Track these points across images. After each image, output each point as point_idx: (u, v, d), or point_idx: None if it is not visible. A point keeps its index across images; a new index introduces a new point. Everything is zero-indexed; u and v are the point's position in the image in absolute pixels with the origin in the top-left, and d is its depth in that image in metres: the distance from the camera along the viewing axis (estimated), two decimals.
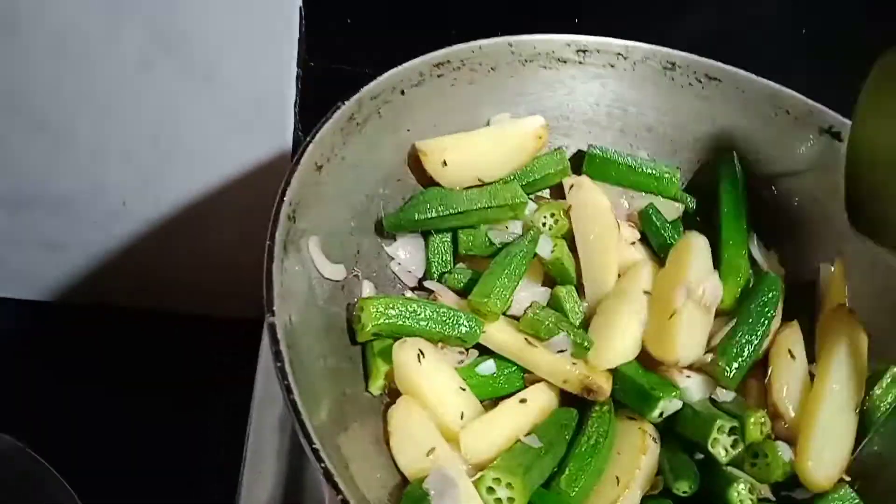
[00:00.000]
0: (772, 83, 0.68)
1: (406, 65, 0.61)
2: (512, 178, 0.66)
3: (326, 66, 0.70)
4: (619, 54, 0.69)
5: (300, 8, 0.66)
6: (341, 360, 0.53)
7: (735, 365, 0.57)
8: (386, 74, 0.60)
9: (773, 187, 0.70)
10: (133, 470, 0.79)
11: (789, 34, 0.73)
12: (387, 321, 0.53)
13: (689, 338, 0.57)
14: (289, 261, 0.50)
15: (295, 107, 0.72)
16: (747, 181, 0.68)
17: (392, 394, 0.55)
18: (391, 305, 0.54)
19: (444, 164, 0.62)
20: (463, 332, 0.56)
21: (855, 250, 0.65)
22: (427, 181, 0.63)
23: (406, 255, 0.62)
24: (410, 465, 0.51)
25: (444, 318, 0.55)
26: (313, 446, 0.41)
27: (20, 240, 0.84)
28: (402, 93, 0.62)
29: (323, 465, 0.41)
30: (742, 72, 0.69)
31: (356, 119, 0.58)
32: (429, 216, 0.60)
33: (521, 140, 0.66)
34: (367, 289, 0.59)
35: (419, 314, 0.55)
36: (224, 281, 0.82)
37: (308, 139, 0.54)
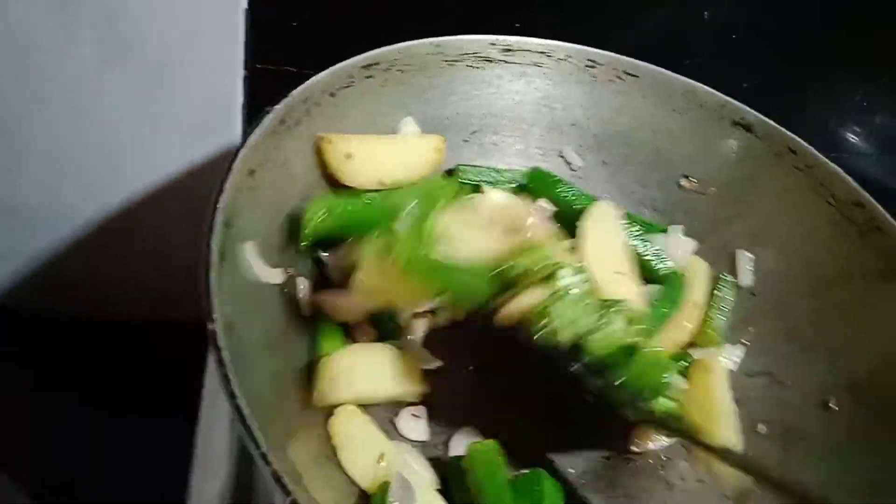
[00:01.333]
0: (687, 79, 0.71)
1: (335, 67, 0.62)
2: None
3: (273, 69, 0.71)
4: (542, 52, 0.71)
5: (245, 10, 0.66)
6: (286, 366, 0.54)
7: None
8: (315, 77, 0.61)
9: (690, 177, 0.74)
10: (84, 474, 0.79)
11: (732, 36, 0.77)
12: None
13: None
14: (227, 267, 0.50)
15: (243, 109, 0.73)
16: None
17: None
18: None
19: (348, 156, 0.61)
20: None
21: (770, 233, 0.70)
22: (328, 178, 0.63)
23: None
24: (363, 475, 0.52)
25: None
26: (260, 450, 0.42)
27: None
28: (332, 95, 0.62)
29: (271, 467, 0.41)
30: (658, 68, 0.72)
31: (287, 122, 0.59)
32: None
33: (424, 150, 0.67)
34: (302, 286, 0.60)
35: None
36: (173, 285, 0.81)
37: (240, 145, 0.54)
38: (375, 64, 0.65)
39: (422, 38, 0.65)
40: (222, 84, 0.70)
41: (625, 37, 0.74)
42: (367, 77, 0.64)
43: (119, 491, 0.77)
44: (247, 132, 0.55)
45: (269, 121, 0.56)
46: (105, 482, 0.79)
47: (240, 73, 0.69)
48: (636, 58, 0.71)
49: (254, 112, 0.72)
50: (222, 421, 0.64)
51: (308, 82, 0.60)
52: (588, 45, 0.71)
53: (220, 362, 0.44)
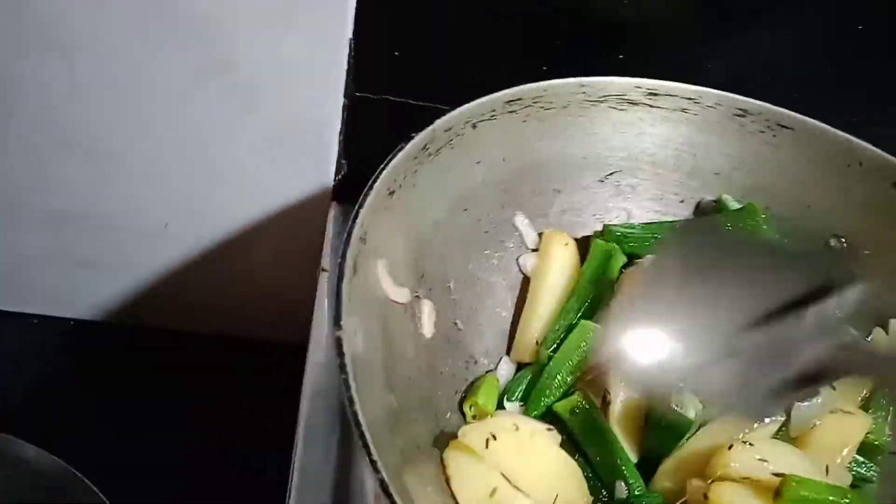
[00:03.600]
0: (844, 134, 0.68)
1: (479, 100, 0.63)
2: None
3: (372, 97, 0.72)
4: (689, 98, 0.70)
5: (350, 39, 0.68)
6: (403, 384, 0.55)
7: None
8: (459, 109, 0.62)
9: (840, 238, 0.69)
10: (175, 494, 0.79)
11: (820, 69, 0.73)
12: None
13: None
14: (357, 280, 0.52)
15: (339, 135, 0.74)
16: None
17: None
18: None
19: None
20: None
21: None
22: None
23: None
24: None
25: None
26: (371, 457, 0.42)
27: (63, 259, 0.86)
28: (474, 126, 0.64)
29: (380, 475, 0.42)
30: (814, 121, 0.69)
31: (429, 149, 0.61)
32: None
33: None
34: (427, 308, 0.61)
35: None
36: (263, 305, 0.83)
37: (382, 166, 0.56)
38: (518, 99, 0.66)
39: (510, 77, 0.65)
40: (321, 111, 0.72)
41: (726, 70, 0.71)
42: (510, 112, 0.65)
43: None
44: (390, 155, 0.57)
45: (411, 146, 0.59)
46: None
47: (339, 100, 0.70)
48: (737, 92, 0.69)
49: (350, 139, 0.75)
50: (320, 446, 0.62)
51: (453, 112, 0.62)
52: (683, 82, 0.69)
53: (343, 368, 0.45)
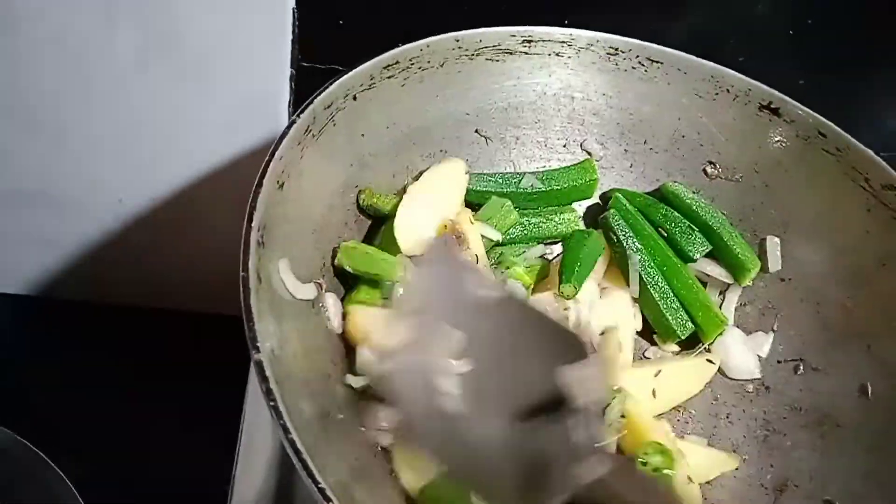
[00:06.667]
0: (712, 63, 0.70)
1: (356, 70, 0.60)
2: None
3: (319, 66, 0.70)
4: (563, 42, 0.69)
5: (293, 9, 0.66)
6: (324, 385, 0.52)
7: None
8: (336, 82, 0.58)
9: (715, 164, 0.72)
10: (129, 463, 0.80)
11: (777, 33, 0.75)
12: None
13: None
14: (263, 288, 0.48)
15: (289, 106, 0.73)
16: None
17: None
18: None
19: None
20: None
21: (800, 219, 0.69)
22: None
23: None
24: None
25: None
26: (315, 481, 0.40)
27: (17, 237, 0.86)
28: (355, 98, 0.60)
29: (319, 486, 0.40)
30: (682, 53, 0.70)
31: (311, 130, 0.57)
32: None
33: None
34: (331, 300, 0.58)
35: None
36: (218, 278, 0.81)
37: (267, 158, 0.52)
38: (395, 63, 0.62)
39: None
40: (268, 81, 0.71)
41: (673, 33, 0.71)
42: (388, 77, 0.62)
43: (162, 483, 0.79)
44: (274, 143, 0.53)
45: (294, 130, 0.54)
46: (148, 473, 0.80)
47: (286, 70, 0.69)
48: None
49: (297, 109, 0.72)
50: (265, 418, 0.63)
51: (331, 87, 0.58)
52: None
53: (269, 394, 0.42)
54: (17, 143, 0.76)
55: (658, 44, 0.69)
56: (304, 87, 0.71)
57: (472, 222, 0.64)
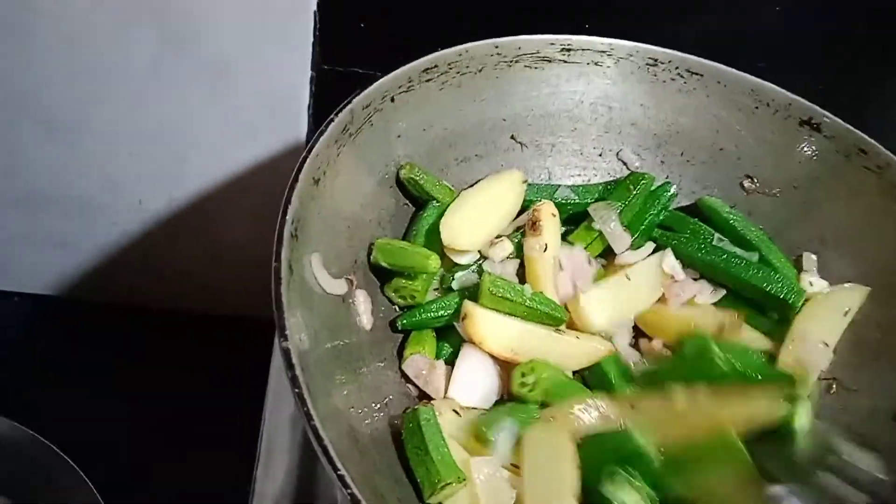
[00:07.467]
0: (752, 77, 0.69)
1: (395, 72, 0.61)
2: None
3: (339, 69, 0.71)
4: (602, 51, 0.69)
5: (314, 12, 0.67)
6: (350, 378, 0.53)
7: None
8: (376, 83, 0.60)
9: (753, 178, 0.72)
10: (145, 463, 0.81)
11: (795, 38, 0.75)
12: None
13: None
14: (295, 280, 0.49)
15: (309, 109, 0.73)
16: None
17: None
18: None
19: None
20: None
21: (837, 236, 0.68)
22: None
23: None
24: None
25: None
26: (338, 472, 0.41)
27: (37, 238, 0.87)
28: (392, 100, 0.61)
29: (339, 473, 0.41)
30: (723, 66, 0.70)
31: (349, 130, 0.58)
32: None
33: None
34: (361, 297, 0.59)
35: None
36: (236, 279, 0.84)
37: (304, 154, 0.53)
38: (434, 67, 0.63)
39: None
40: (289, 84, 0.71)
41: (692, 37, 0.71)
42: (427, 80, 0.63)
43: (182, 485, 0.80)
44: (311, 139, 0.54)
45: (332, 128, 0.56)
46: (167, 476, 0.81)
47: (307, 73, 0.70)
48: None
49: (320, 112, 0.73)
50: (286, 418, 0.64)
51: (370, 88, 0.59)
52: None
53: (294, 381, 0.43)
54: (36, 145, 0.77)
55: (673, 49, 0.69)
56: (325, 89, 0.72)
57: (553, 215, 0.65)
